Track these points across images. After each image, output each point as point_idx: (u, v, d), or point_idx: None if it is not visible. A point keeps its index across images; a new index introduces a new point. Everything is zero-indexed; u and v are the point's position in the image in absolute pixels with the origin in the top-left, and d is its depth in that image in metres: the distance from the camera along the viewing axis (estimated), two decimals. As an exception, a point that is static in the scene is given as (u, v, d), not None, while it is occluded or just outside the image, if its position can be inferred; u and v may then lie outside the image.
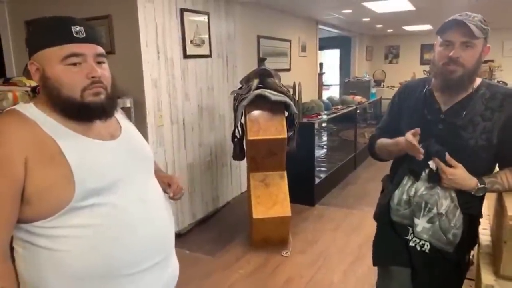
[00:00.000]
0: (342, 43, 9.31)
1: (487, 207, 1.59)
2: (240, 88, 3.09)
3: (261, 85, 2.95)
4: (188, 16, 3.25)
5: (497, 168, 1.37)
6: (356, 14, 5.60)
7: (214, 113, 3.76)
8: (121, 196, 0.98)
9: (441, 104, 1.37)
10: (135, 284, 1.00)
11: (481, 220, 1.43)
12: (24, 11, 3.28)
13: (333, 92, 9.58)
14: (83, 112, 0.96)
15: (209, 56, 3.58)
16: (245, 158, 3.07)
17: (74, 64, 0.94)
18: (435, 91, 1.39)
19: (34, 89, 2.81)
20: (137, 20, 2.78)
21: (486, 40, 1.31)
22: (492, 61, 7.99)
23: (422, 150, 1.28)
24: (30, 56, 0.98)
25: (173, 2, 3.11)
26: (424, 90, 1.42)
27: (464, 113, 1.31)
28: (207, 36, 3.51)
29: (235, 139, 3.07)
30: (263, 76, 2.96)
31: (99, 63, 0.98)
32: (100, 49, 0.99)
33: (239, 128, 3.03)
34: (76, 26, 0.95)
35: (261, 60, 3.19)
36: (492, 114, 1.29)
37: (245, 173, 3.51)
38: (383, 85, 8.87)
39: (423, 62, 8.88)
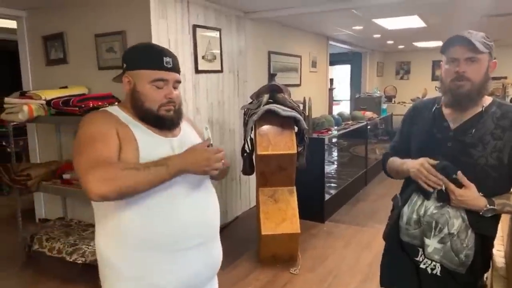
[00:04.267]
0: (353, 58, 9.34)
1: (501, 228, 1.55)
2: (251, 103, 3.11)
3: (271, 100, 2.96)
4: (200, 32, 3.30)
5: None
6: (367, 31, 5.62)
7: (225, 127, 3.78)
8: (173, 182, 1.16)
9: (450, 122, 1.37)
10: (181, 259, 1.20)
11: (495, 241, 1.39)
12: (42, 26, 3.38)
13: (344, 107, 9.56)
14: (157, 122, 1.23)
15: (221, 71, 3.62)
16: (254, 173, 3.06)
17: (159, 86, 1.20)
18: (444, 109, 1.40)
19: (49, 102, 2.88)
20: (150, 35, 2.84)
21: (492, 55, 1.32)
22: (505, 77, 7.92)
23: (440, 182, 1.27)
24: (124, 70, 1.25)
25: (186, 18, 3.17)
26: (434, 109, 1.41)
27: (473, 131, 1.30)
28: (218, 51, 3.56)
29: (245, 154, 3.07)
30: (273, 91, 2.97)
31: (175, 87, 1.25)
32: (179, 77, 1.27)
33: (249, 143, 3.04)
34: (167, 57, 1.22)
35: (271, 76, 3.21)
36: (503, 133, 1.28)
37: (254, 187, 3.49)
38: (394, 101, 8.83)
39: (434, 78, 8.83)
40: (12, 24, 3.63)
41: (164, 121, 1.23)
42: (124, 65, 1.26)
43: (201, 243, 1.24)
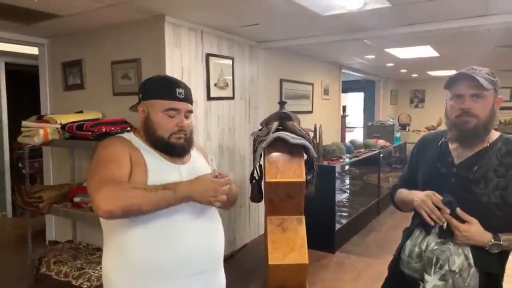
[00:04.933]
0: (366, 86, 9.36)
1: (509, 266, 1.48)
2: (260, 130, 3.12)
3: (280, 128, 2.97)
4: (213, 60, 3.38)
5: None
6: (380, 60, 5.66)
7: (235, 153, 3.79)
8: (178, 208, 1.19)
9: (454, 157, 1.35)
10: (183, 286, 1.21)
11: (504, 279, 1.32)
12: (62, 53, 3.53)
13: (357, 134, 9.51)
14: (168, 149, 1.29)
15: (232, 98, 3.67)
16: (263, 200, 3.03)
17: (170, 115, 1.27)
18: (450, 144, 1.38)
19: (64, 126, 2.95)
20: (164, 63, 2.92)
21: (497, 91, 1.31)
22: (523, 107, 7.78)
23: (443, 218, 1.24)
24: (140, 99, 1.34)
25: (200, 47, 3.26)
26: (440, 142, 1.39)
27: (476, 167, 1.27)
28: (231, 79, 3.62)
29: (253, 181, 3.06)
30: (283, 119, 2.98)
31: (186, 116, 1.32)
32: (191, 107, 1.34)
33: (258, 170, 3.03)
34: (180, 88, 1.30)
35: (281, 104, 3.24)
36: (507, 171, 1.25)
37: (263, 215, 3.45)
38: (409, 129, 8.74)
39: (450, 107, 8.74)
40: (33, 50, 3.80)
41: (174, 148, 1.29)
42: (140, 95, 1.35)
43: (204, 270, 1.26)
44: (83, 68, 3.38)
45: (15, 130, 3.76)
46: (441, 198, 1.26)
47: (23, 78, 5.34)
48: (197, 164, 1.38)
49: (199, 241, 1.24)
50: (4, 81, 4.80)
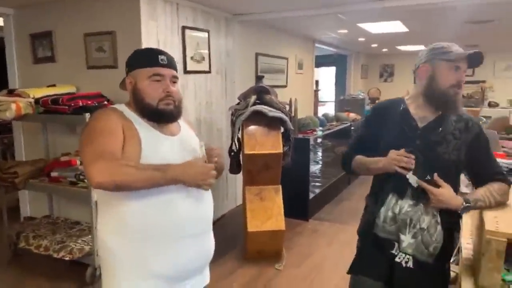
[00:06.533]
0: (338, 60, 9.49)
1: (471, 222, 1.67)
2: (238, 103, 3.19)
3: (258, 101, 3.04)
4: (189, 33, 3.36)
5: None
6: (352, 34, 5.76)
7: (212, 127, 3.84)
8: None
9: (418, 121, 1.48)
10: (176, 248, 1.29)
11: (464, 234, 1.51)
12: (30, 24, 3.38)
13: (329, 108, 9.72)
14: (156, 115, 1.32)
15: (209, 72, 3.68)
16: (241, 172, 3.14)
17: (157, 81, 1.31)
18: (412, 109, 1.50)
19: (37, 101, 2.89)
20: (140, 36, 2.89)
21: None
22: (484, 81, 8.20)
23: (412, 161, 1.37)
24: (127, 73, 1.37)
25: (175, 20, 3.23)
26: (401, 109, 1.51)
27: (439, 129, 1.44)
28: (207, 52, 3.62)
29: (232, 153, 3.15)
30: (260, 92, 3.05)
31: (174, 82, 1.35)
32: (175, 73, 1.37)
33: (236, 143, 3.11)
34: (162, 55, 1.34)
35: (258, 78, 3.30)
36: (460, 134, 1.43)
37: (240, 186, 3.57)
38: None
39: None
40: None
41: (163, 115, 1.32)
42: (126, 69, 1.38)
43: (196, 234, 1.34)
44: (53, 40, 3.27)
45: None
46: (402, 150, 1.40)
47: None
48: (187, 136, 1.43)
49: (191, 210, 1.32)
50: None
